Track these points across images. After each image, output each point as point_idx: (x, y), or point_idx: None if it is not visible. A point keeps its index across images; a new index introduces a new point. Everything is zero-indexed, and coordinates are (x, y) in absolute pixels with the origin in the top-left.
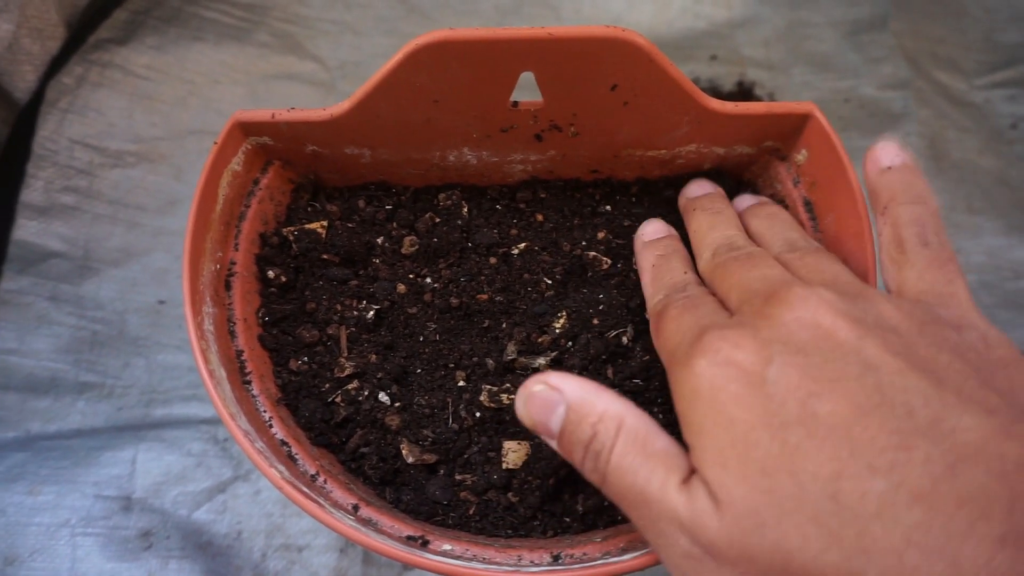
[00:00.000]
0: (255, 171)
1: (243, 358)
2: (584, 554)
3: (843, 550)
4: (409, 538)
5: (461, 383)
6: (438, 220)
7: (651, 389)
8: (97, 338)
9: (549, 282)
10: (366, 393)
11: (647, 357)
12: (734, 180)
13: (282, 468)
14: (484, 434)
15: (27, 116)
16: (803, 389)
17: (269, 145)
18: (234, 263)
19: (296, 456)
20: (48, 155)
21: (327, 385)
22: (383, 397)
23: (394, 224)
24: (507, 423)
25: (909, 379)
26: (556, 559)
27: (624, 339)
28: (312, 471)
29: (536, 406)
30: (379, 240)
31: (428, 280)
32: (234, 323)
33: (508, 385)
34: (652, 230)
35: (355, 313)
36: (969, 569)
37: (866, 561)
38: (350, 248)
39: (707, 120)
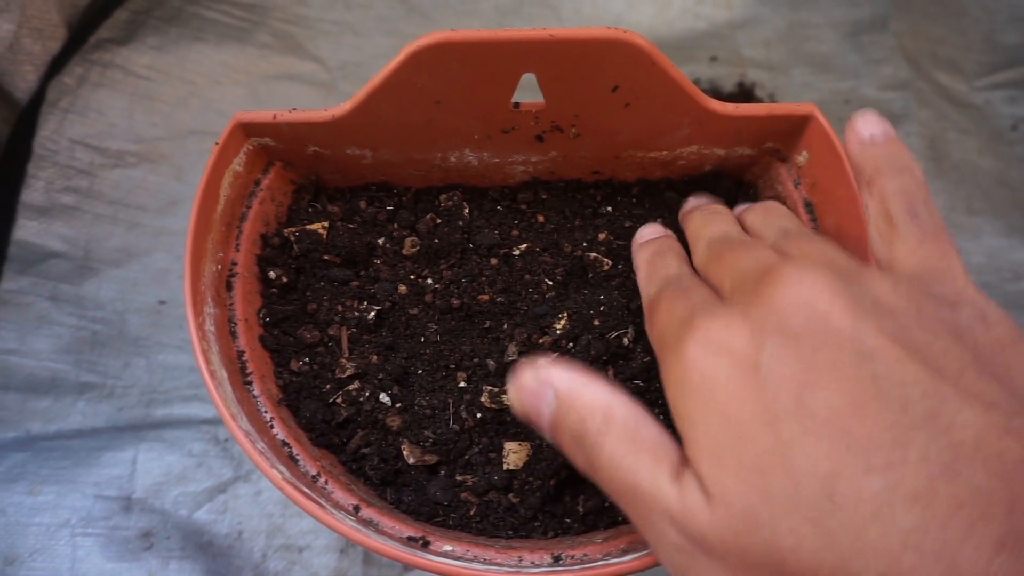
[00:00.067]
0: (256, 172)
1: (244, 359)
2: (585, 555)
3: (839, 552)
4: (410, 539)
5: (462, 384)
6: (439, 221)
7: (652, 390)
8: (97, 338)
9: (550, 283)
10: (367, 394)
11: (648, 358)
12: (734, 182)
13: (283, 469)
14: (485, 435)
15: (28, 116)
16: (797, 379)
17: (270, 146)
18: (235, 264)
19: (297, 457)
20: (49, 155)
21: (328, 386)
22: (384, 398)
23: (395, 225)
24: (508, 424)
25: (907, 369)
26: (557, 560)
27: (625, 340)
28: (313, 472)
29: (527, 394)
30: (380, 241)
31: (429, 281)
32: (235, 324)
33: (511, 407)
34: (649, 232)
35: (356, 314)
36: (967, 572)
37: (863, 564)
38: (351, 249)
39: (708, 121)
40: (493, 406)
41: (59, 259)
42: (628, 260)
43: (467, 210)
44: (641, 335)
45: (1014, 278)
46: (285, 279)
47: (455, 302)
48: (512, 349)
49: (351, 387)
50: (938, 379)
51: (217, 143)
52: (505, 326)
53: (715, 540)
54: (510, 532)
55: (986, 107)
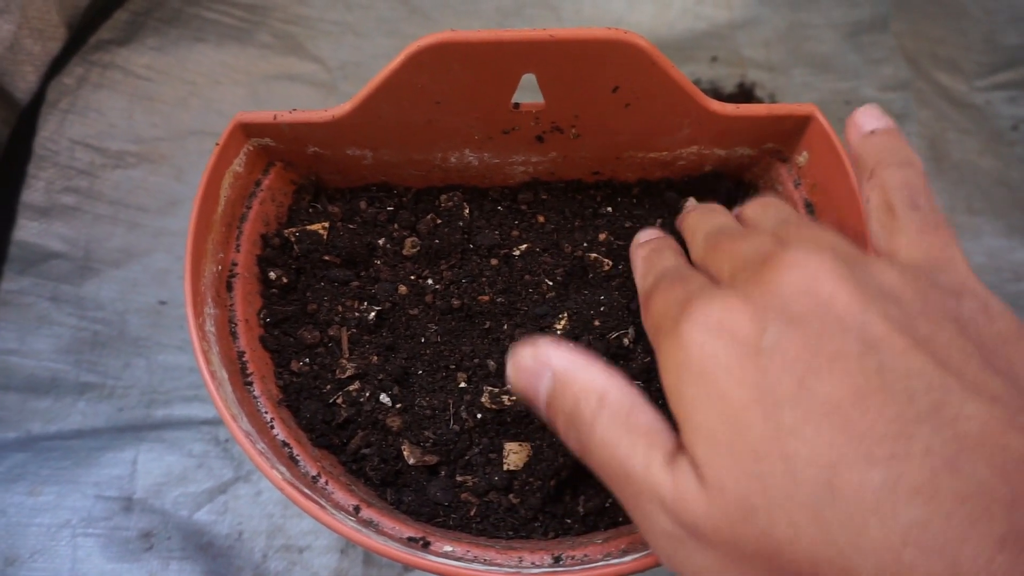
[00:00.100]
0: (257, 172)
1: (244, 359)
2: (585, 555)
3: (837, 545)
4: (410, 539)
5: (462, 384)
6: (439, 221)
7: (653, 391)
8: (98, 338)
9: (550, 283)
10: (367, 394)
11: (648, 359)
12: (735, 182)
13: (283, 469)
14: (485, 435)
15: (28, 117)
16: (800, 364)
17: (271, 146)
18: (235, 264)
19: (297, 457)
20: (49, 156)
21: (328, 386)
22: (384, 398)
23: (395, 225)
24: (508, 424)
25: (912, 360)
26: (557, 560)
27: (625, 340)
28: (313, 472)
29: (524, 373)
30: (380, 241)
31: (429, 281)
32: (235, 324)
33: (509, 387)
34: (646, 234)
35: (356, 314)
36: (968, 570)
37: (861, 558)
38: (351, 249)
39: (708, 122)
40: (493, 407)
41: (59, 259)
42: (628, 261)
43: (467, 210)
44: (641, 336)
45: (1014, 278)
46: (285, 279)
47: (455, 302)
48: None
49: (351, 388)
50: (943, 371)
51: (217, 144)
52: (505, 326)
53: (708, 528)
54: (510, 533)
55: (986, 107)
